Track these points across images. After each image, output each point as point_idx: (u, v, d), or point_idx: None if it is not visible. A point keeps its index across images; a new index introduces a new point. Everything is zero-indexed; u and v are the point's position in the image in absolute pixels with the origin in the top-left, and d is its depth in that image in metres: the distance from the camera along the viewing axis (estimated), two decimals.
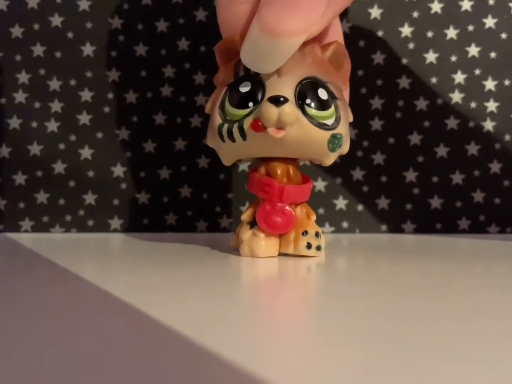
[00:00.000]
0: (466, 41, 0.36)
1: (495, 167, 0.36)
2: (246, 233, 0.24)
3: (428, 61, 0.36)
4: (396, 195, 0.36)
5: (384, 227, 0.36)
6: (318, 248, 0.24)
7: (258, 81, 0.23)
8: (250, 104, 0.22)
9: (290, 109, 0.21)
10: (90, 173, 0.35)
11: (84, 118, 0.35)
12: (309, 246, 0.24)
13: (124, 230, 0.36)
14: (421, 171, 0.36)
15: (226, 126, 0.23)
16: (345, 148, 0.24)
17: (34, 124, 0.35)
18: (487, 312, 0.14)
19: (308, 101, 0.22)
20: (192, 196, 0.36)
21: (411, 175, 0.36)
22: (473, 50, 0.36)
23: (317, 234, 0.24)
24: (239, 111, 0.23)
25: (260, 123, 0.22)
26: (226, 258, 0.24)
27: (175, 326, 0.12)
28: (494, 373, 0.10)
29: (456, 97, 0.36)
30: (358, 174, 0.36)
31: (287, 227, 0.24)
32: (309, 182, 0.24)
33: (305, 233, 0.24)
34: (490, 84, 0.36)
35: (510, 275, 0.21)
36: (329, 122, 0.23)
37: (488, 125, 0.36)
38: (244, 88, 0.23)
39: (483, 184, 0.36)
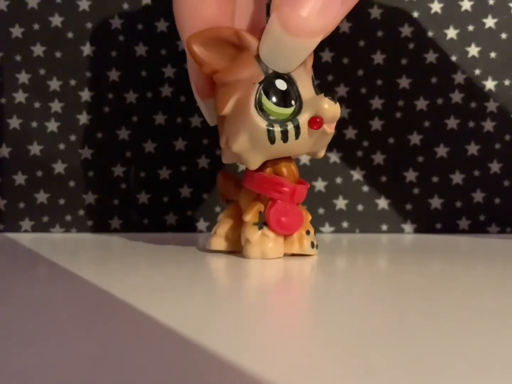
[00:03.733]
0: (466, 41, 0.36)
1: (495, 167, 0.36)
2: (254, 234, 0.23)
3: (428, 61, 0.36)
4: (396, 195, 0.36)
5: (384, 227, 0.36)
6: (317, 246, 0.24)
7: (289, 78, 0.22)
8: (293, 101, 0.22)
9: (338, 105, 0.22)
10: (90, 173, 0.35)
11: (84, 118, 0.35)
12: (312, 245, 0.24)
13: (124, 230, 0.36)
14: (421, 171, 0.36)
15: (277, 126, 0.22)
16: None
17: (34, 124, 0.35)
18: (487, 312, 0.14)
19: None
20: (192, 196, 0.36)
21: (411, 175, 0.36)
22: (473, 50, 0.36)
23: (314, 233, 0.24)
24: (285, 109, 0.22)
25: (318, 120, 0.22)
26: (226, 258, 0.24)
27: (175, 326, 0.12)
28: (494, 373, 0.10)
29: (456, 97, 0.36)
30: (358, 174, 0.36)
31: (298, 227, 0.23)
32: (306, 183, 0.24)
33: (308, 232, 0.24)
34: (490, 84, 0.36)
35: (510, 275, 0.21)
36: None
37: (488, 125, 0.36)
38: (282, 86, 0.22)
39: (483, 184, 0.36)
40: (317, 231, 0.36)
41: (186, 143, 0.36)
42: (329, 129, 0.22)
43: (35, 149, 0.35)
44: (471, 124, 0.36)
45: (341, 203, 0.36)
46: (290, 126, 0.22)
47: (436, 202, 0.36)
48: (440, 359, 0.10)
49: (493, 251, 0.28)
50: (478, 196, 0.36)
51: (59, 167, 0.35)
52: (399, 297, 0.16)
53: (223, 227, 0.25)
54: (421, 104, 0.36)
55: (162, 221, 0.36)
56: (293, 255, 0.24)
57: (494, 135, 0.36)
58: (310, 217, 0.24)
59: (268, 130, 0.22)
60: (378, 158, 0.36)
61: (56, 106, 0.35)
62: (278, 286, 0.19)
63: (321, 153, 0.24)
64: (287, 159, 0.24)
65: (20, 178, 0.35)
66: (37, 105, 0.35)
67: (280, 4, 0.21)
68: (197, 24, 0.23)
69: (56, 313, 0.14)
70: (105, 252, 0.28)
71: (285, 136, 0.22)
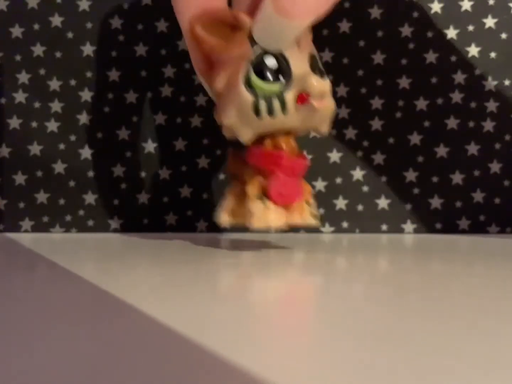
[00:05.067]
0: (466, 41, 0.36)
1: (495, 167, 0.36)
2: (257, 206, 0.24)
3: (428, 61, 0.36)
4: (396, 195, 0.36)
5: (384, 227, 0.36)
6: (318, 217, 0.25)
7: (280, 55, 0.23)
8: (281, 77, 0.23)
9: (328, 81, 0.23)
10: (90, 173, 0.35)
11: (84, 118, 0.35)
12: (313, 215, 0.25)
13: (124, 230, 0.36)
14: (421, 171, 0.36)
15: (263, 101, 0.23)
16: None
17: (34, 124, 0.35)
18: (487, 312, 0.14)
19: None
20: (192, 196, 0.36)
21: (411, 175, 0.36)
22: (473, 50, 0.36)
23: (315, 205, 0.26)
24: (272, 85, 0.23)
25: (305, 96, 0.23)
26: (226, 258, 0.24)
27: (174, 326, 0.12)
28: (494, 373, 0.10)
29: (456, 97, 0.36)
30: (358, 174, 0.36)
31: (297, 198, 0.24)
32: (306, 158, 0.26)
33: (308, 203, 0.25)
34: (490, 84, 0.36)
35: (510, 275, 0.21)
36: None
37: (488, 125, 0.36)
38: (271, 62, 0.23)
39: (483, 184, 0.36)
40: (317, 231, 0.36)
41: (186, 143, 0.36)
42: (318, 104, 0.23)
43: (35, 149, 0.35)
44: (471, 124, 0.36)
45: (341, 203, 0.36)
46: (275, 100, 0.23)
47: (436, 202, 0.36)
48: (440, 359, 0.10)
49: (493, 251, 0.28)
50: (478, 196, 0.36)
51: (59, 167, 0.35)
52: (399, 297, 0.16)
53: (230, 201, 0.26)
54: (421, 104, 0.36)
55: (162, 221, 0.36)
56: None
57: (494, 135, 0.36)
58: (309, 188, 0.25)
59: (254, 104, 0.23)
60: (378, 158, 0.36)
61: (56, 106, 0.35)
62: (278, 286, 0.19)
63: (323, 129, 0.25)
64: (287, 134, 0.25)
65: (20, 178, 0.35)
66: (37, 105, 0.35)
67: None
68: (196, 9, 0.24)
69: (56, 313, 0.14)
70: (105, 252, 0.28)
71: (270, 109, 0.23)
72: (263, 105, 0.23)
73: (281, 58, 0.23)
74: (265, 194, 0.24)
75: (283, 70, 0.23)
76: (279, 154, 0.24)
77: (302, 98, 0.23)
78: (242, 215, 0.25)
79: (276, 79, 0.23)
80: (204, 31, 0.24)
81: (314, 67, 0.24)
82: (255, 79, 0.23)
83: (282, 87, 0.23)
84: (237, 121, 0.24)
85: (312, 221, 0.25)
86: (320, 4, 0.23)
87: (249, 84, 0.23)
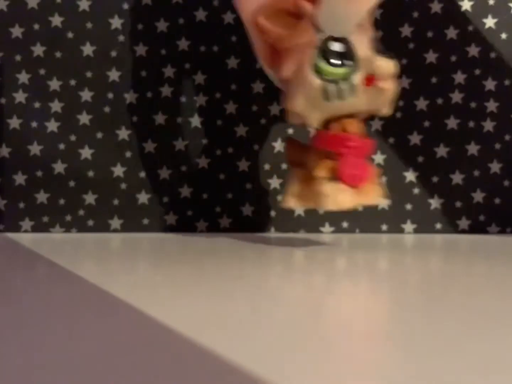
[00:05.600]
0: (466, 41, 0.36)
1: (495, 167, 0.36)
2: (327, 187, 0.25)
3: (428, 61, 0.36)
4: (396, 195, 0.36)
5: (384, 227, 0.36)
6: (386, 196, 0.26)
7: (345, 40, 0.24)
8: (347, 62, 0.24)
9: (394, 63, 0.24)
10: (90, 173, 0.35)
11: (84, 118, 0.35)
12: (381, 195, 0.26)
13: (124, 230, 0.36)
14: (421, 171, 0.36)
15: (332, 85, 0.24)
16: None
17: (34, 124, 0.35)
18: (487, 312, 0.14)
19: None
20: (192, 196, 0.36)
21: (411, 175, 0.36)
22: (473, 50, 0.36)
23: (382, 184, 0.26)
24: (339, 69, 0.24)
25: (373, 78, 0.24)
26: (226, 258, 0.24)
27: (175, 326, 0.12)
28: (494, 372, 0.10)
29: (456, 97, 0.36)
30: None
31: (367, 179, 0.25)
32: (370, 138, 0.26)
33: (378, 183, 0.26)
34: (490, 84, 0.36)
35: (510, 275, 0.21)
36: None
37: (488, 125, 0.36)
38: (337, 47, 0.24)
39: (483, 184, 0.36)
40: (317, 231, 0.36)
41: (186, 143, 0.36)
42: (385, 85, 0.24)
43: (35, 149, 0.35)
44: (471, 124, 0.36)
45: None
46: (344, 84, 0.24)
47: (436, 202, 0.36)
48: (440, 357, 0.10)
49: (493, 251, 0.28)
50: (478, 196, 0.36)
51: (59, 167, 0.35)
52: (399, 296, 0.16)
53: (295, 186, 0.26)
54: (421, 104, 0.36)
55: (162, 221, 0.36)
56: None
57: (494, 135, 0.36)
58: (377, 170, 0.26)
59: (323, 89, 0.24)
60: (378, 158, 0.36)
61: (56, 106, 0.35)
62: (277, 286, 0.19)
63: (385, 110, 0.26)
64: (352, 116, 0.25)
65: (20, 178, 0.35)
66: (37, 105, 0.35)
67: None
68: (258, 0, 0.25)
69: (56, 312, 0.14)
70: (105, 252, 0.28)
71: (339, 93, 0.24)
72: (332, 89, 0.24)
73: (345, 43, 0.24)
74: (334, 177, 0.25)
75: (348, 54, 0.24)
76: (347, 136, 0.25)
77: (370, 80, 0.24)
78: (310, 198, 0.26)
79: (343, 63, 0.24)
80: (267, 21, 0.25)
81: (374, 48, 0.25)
82: (322, 64, 0.24)
83: (349, 70, 0.24)
84: (306, 106, 0.25)
85: (382, 201, 0.26)
86: None
87: (316, 70, 0.24)
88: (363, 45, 0.24)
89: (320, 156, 0.25)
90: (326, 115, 0.25)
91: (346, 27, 0.24)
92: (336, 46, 0.24)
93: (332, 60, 0.24)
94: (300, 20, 0.24)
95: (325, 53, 0.24)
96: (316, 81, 0.24)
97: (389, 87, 0.24)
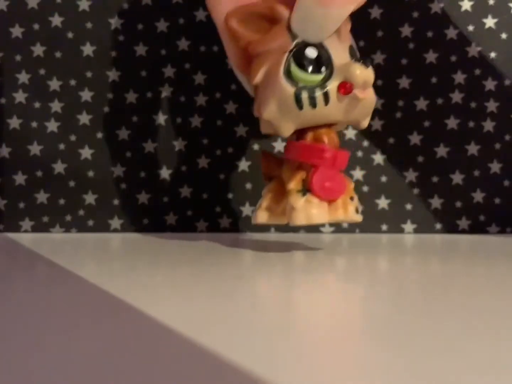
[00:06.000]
0: (466, 41, 0.36)
1: (495, 167, 0.36)
2: (299, 201, 0.23)
3: (428, 61, 0.36)
4: (396, 195, 0.36)
5: (384, 227, 0.36)
6: (361, 212, 0.25)
7: (320, 46, 0.23)
8: (323, 68, 0.23)
9: (372, 70, 0.23)
10: (90, 173, 0.35)
11: (84, 118, 0.35)
12: (357, 211, 0.24)
13: (124, 230, 0.36)
14: (421, 171, 0.36)
15: (305, 92, 0.23)
16: None
17: (34, 124, 0.35)
18: (487, 312, 0.14)
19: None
20: (192, 196, 0.36)
21: (411, 175, 0.36)
22: (473, 50, 0.36)
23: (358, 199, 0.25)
24: (314, 76, 0.23)
25: (348, 85, 0.22)
26: (226, 258, 0.24)
27: (175, 326, 0.12)
28: (494, 373, 0.10)
29: (456, 97, 0.36)
30: (358, 174, 0.36)
31: (341, 192, 0.24)
32: (346, 150, 0.25)
33: (352, 198, 0.24)
34: (490, 84, 0.36)
35: (510, 275, 0.21)
36: None
37: (488, 125, 0.36)
38: (312, 53, 0.23)
39: (483, 184, 0.36)
40: (317, 231, 0.36)
41: (186, 143, 0.36)
42: (361, 94, 0.22)
43: (35, 149, 0.35)
44: (471, 124, 0.36)
45: None
46: (318, 92, 0.23)
47: (436, 202, 0.36)
48: (440, 358, 0.10)
49: (493, 251, 0.28)
50: (478, 196, 0.36)
51: (59, 167, 0.35)
52: (399, 297, 0.16)
53: (267, 200, 0.25)
54: (421, 104, 0.36)
55: (162, 221, 0.36)
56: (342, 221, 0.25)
57: (494, 135, 0.36)
58: (353, 184, 0.25)
59: (296, 96, 0.23)
60: (378, 158, 0.36)
61: (56, 106, 0.35)
62: (277, 286, 0.19)
63: (364, 123, 0.25)
64: (327, 127, 0.24)
65: (20, 178, 0.35)
66: (37, 105, 0.35)
67: None
68: (231, 3, 0.24)
69: (56, 312, 0.14)
70: (105, 252, 0.28)
71: (313, 101, 0.23)
72: (305, 97, 0.23)
73: (321, 49, 0.23)
74: (307, 189, 0.23)
75: (324, 60, 0.23)
76: (321, 147, 0.24)
77: (345, 88, 0.22)
78: (281, 213, 0.24)
79: (318, 70, 0.23)
80: (239, 25, 0.23)
81: (353, 57, 0.24)
82: (296, 70, 0.23)
83: (323, 77, 0.23)
84: (278, 114, 0.23)
85: (357, 218, 0.24)
86: None
87: (289, 76, 0.23)
88: (339, 51, 0.23)
89: (293, 168, 0.24)
90: (299, 124, 0.23)
91: (322, 32, 0.23)
92: (311, 52, 0.23)
93: (305, 66, 0.23)
94: (274, 25, 0.23)
95: (299, 59, 0.23)
96: (289, 88, 0.23)
97: (366, 96, 0.23)
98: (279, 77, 0.23)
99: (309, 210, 0.23)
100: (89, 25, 0.35)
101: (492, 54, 0.36)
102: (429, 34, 0.36)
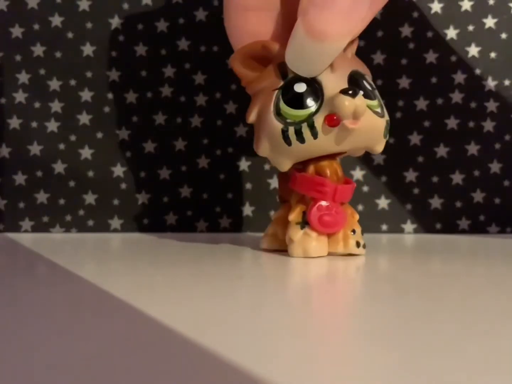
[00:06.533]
0: (466, 41, 0.36)
1: (495, 167, 0.36)
2: (297, 234, 0.23)
3: (428, 61, 0.36)
4: (396, 195, 0.36)
5: (384, 227, 0.36)
6: (364, 246, 0.24)
7: (311, 80, 0.23)
8: (311, 103, 0.22)
9: (362, 99, 0.22)
10: (90, 173, 0.35)
11: (84, 118, 0.35)
12: (357, 244, 0.24)
13: (124, 230, 0.36)
14: (421, 171, 0.36)
15: (292, 128, 0.22)
16: (388, 135, 0.25)
17: (34, 124, 0.35)
18: (487, 312, 0.14)
19: (361, 92, 0.23)
20: (192, 196, 0.36)
21: (411, 175, 0.36)
22: (473, 50, 0.36)
23: (362, 233, 0.25)
24: (301, 111, 0.22)
25: (335, 117, 0.22)
26: (226, 258, 0.24)
27: (175, 326, 0.12)
28: (494, 373, 0.10)
29: (456, 97, 0.36)
30: (358, 174, 0.36)
31: (340, 226, 0.24)
32: (351, 182, 0.25)
33: (353, 231, 0.24)
34: (490, 84, 0.36)
35: (510, 275, 0.21)
36: (379, 110, 0.24)
37: (488, 125, 0.36)
38: (300, 88, 0.23)
39: (483, 184, 0.36)
40: None
41: (186, 143, 0.36)
42: (351, 124, 0.22)
43: (35, 149, 0.35)
44: (471, 124, 0.36)
45: None
46: (304, 127, 0.22)
47: (436, 202, 0.36)
48: (440, 359, 0.10)
49: (493, 251, 0.28)
50: (478, 196, 0.36)
51: (59, 167, 0.35)
52: (399, 297, 0.16)
53: (274, 226, 0.25)
54: (421, 104, 0.36)
55: (162, 221, 0.36)
56: (342, 255, 0.24)
57: (494, 135, 0.36)
58: (357, 216, 0.25)
59: (283, 132, 0.22)
60: (378, 158, 0.36)
61: (56, 106, 0.35)
62: (278, 286, 0.19)
63: (380, 148, 0.25)
64: (330, 158, 0.24)
65: (20, 178, 0.35)
66: (37, 105, 0.35)
67: (305, 8, 0.21)
68: (242, 37, 0.24)
69: (56, 313, 0.14)
70: (105, 252, 0.28)
71: (300, 136, 0.22)
72: (291, 133, 0.22)
73: (313, 83, 0.23)
74: (306, 222, 0.23)
75: (314, 94, 0.23)
76: (321, 181, 0.23)
77: (331, 119, 0.22)
78: (283, 242, 0.24)
79: (306, 105, 0.22)
80: (241, 67, 0.24)
81: (356, 84, 0.23)
82: (284, 107, 0.23)
83: (311, 112, 0.22)
84: (271, 151, 0.23)
85: (357, 251, 0.24)
86: (354, 26, 0.22)
87: (279, 113, 0.23)
88: (332, 82, 0.22)
89: (297, 198, 0.24)
90: (295, 158, 0.23)
91: (316, 66, 0.22)
92: (299, 87, 0.23)
93: (293, 102, 0.23)
94: (269, 63, 0.23)
95: (287, 95, 0.23)
96: (277, 125, 0.23)
97: (359, 126, 0.22)
98: (269, 115, 0.23)
99: (306, 243, 0.23)
100: (89, 25, 0.35)
101: (492, 54, 0.36)
102: (429, 34, 0.36)
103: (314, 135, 0.22)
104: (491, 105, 0.36)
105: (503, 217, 0.36)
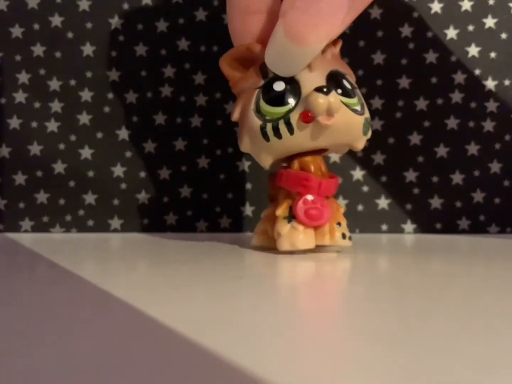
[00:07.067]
0: (466, 41, 0.36)
1: (495, 167, 0.36)
2: (284, 228, 0.24)
3: (428, 61, 0.36)
4: (396, 195, 0.36)
5: (384, 227, 0.36)
6: (350, 238, 0.25)
7: (290, 79, 0.24)
8: (290, 100, 0.23)
9: (336, 96, 0.23)
10: (90, 173, 0.35)
11: (84, 118, 0.35)
12: (343, 236, 0.25)
13: (124, 230, 0.36)
14: (421, 171, 0.36)
15: (269, 125, 0.23)
16: (370, 133, 0.25)
17: (34, 124, 0.35)
18: (487, 312, 0.14)
19: (339, 90, 0.24)
20: (192, 196, 0.36)
21: (411, 175, 0.36)
22: (473, 50, 0.36)
23: (347, 225, 0.25)
24: (279, 108, 0.23)
25: (309, 114, 0.23)
26: (226, 258, 0.24)
27: (175, 326, 0.12)
28: (494, 373, 0.10)
29: (456, 97, 0.36)
30: (358, 174, 0.36)
31: (326, 219, 0.24)
32: (336, 177, 0.26)
33: (339, 224, 0.25)
34: (490, 84, 0.36)
35: (510, 275, 0.21)
36: (358, 108, 0.24)
37: (488, 125, 0.36)
38: (279, 87, 0.24)
39: (483, 184, 0.36)
40: None
41: (186, 143, 0.36)
42: (326, 121, 0.23)
43: (35, 149, 0.35)
44: (471, 124, 0.36)
45: (341, 203, 0.36)
46: (281, 123, 0.23)
47: (436, 202, 0.36)
48: (439, 359, 0.10)
49: (493, 251, 0.28)
50: (478, 196, 0.36)
51: (59, 167, 0.35)
52: (399, 297, 0.16)
53: (264, 224, 0.26)
54: (421, 104, 0.36)
55: (162, 221, 0.36)
56: (326, 246, 0.25)
57: (494, 135, 0.36)
58: (342, 210, 0.26)
59: (261, 128, 0.24)
60: (378, 158, 0.36)
61: (56, 106, 0.35)
62: (278, 287, 0.19)
63: (360, 145, 0.25)
64: (314, 154, 0.25)
65: (20, 178, 0.35)
66: (37, 105, 0.35)
67: (286, 11, 0.22)
68: (245, 40, 0.24)
69: (56, 313, 0.14)
70: (105, 252, 0.28)
71: (277, 132, 0.23)
72: (269, 129, 0.23)
73: (292, 82, 0.24)
74: (293, 216, 0.24)
75: (293, 93, 0.23)
76: (305, 176, 0.24)
77: (305, 116, 0.23)
78: (272, 238, 0.25)
79: (284, 102, 0.23)
80: (228, 68, 0.25)
81: (335, 83, 0.24)
82: (263, 105, 0.24)
83: (288, 109, 0.23)
84: (252, 147, 0.25)
85: (343, 243, 0.25)
86: (332, 29, 0.22)
87: (259, 111, 0.24)
88: (311, 81, 0.23)
89: (284, 194, 0.25)
90: (275, 154, 0.24)
91: (294, 68, 0.23)
92: (278, 86, 0.24)
93: (272, 100, 0.24)
94: (253, 65, 0.24)
95: (266, 94, 0.24)
96: (256, 121, 0.24)
97: (332, 122, 0.23)
98: (249, 113, 0.24)
99: (294, 237, 0.24)
100: (89, 25, 0.35)
101: (492, 54, 0.36)
102: (429, 34, 0.36)
103: (290, 131, 0.23)
104: (491, 105, 0.36)
105: (503, 217, 0.36)
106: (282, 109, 0.23)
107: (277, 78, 0.24)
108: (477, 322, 0.13)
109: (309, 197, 0.24)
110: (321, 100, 0.22)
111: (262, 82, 0.24)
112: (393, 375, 0.10)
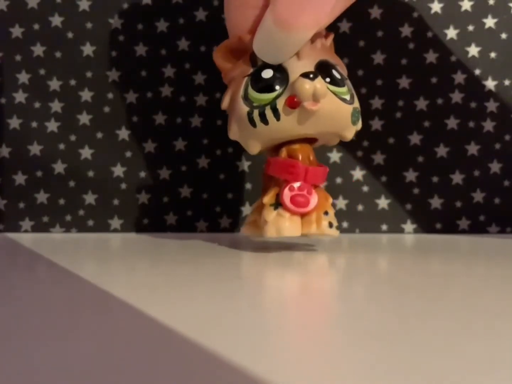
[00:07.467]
0: (466, 41, 0.36)
1: (495, 167, 0.36)
2: (270, 214, 0.24)
3: (428, 61, 0.36)
4: (396, 195, 0.36)
5: (384, 227, 0.36)
6: (337, 227, 0.25)
7: (278, 67, 0.24)
8: (277, 87, 0.24)
9: (322, 82, 0.23)
10: (90, 173, 0.35)
11: (84, 118, 0.35)
12: (330, 225, 0.24)
13: (124, 230, 0.36)
14: (421, 171, 0.36)
15: (256, 111, 0.24)
16: (359, 124, 0.25)
17: (34, 124, 0.35)
18: (487, 312, 0.14)
19: (327, 79, 0.24)
20: (192, 196, 0.36)
21: (411, 175, 0.36)
22: (473, 50, 0.36)
23: (335, 215, 0.25)
24: (266, 95, 0.24)
25: (295, 99, 0.23)
26: (226, 258, 0.24)
27: (175, 326, 0.12)
28: (494, 373, 0.10)
29: (456, 97, 0.36)
30: (358, 174, 0.36)
31: (312, 206, 0.24)
32: (324, 166, 0.26)
33: (326, 213, 0.24)
34: (490, 84, 0.36)
35: (510, 275, 0.21)
36: (347, 97, 0.24)
37: (488, 125, 0.36)
38: (267, 74, 0.24)
39: (483, 184, 0.36)
40: None
41: (186, 143, 0.36)
42: (312, 106, 0.23)
43: (35, 149, 0.35)
44: (471, 124, 0.36)
45: (341, 203, 0.36)
46: (267, 109, 0.23)
47: (436, 202, 0.36)
48: (439, 359, 0.10)
49: (493, 251, 0.28)
50: (478, 196, 0.36)
51: (59, 167, 0.35)
52: (399, 297, 0.16)
53: (254, 215, 0.26)
54: (421, 104, 0.36)
55: (162, 221, 0.36)
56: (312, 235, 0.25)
57: (494, 135, 0.36)
58: (331, 200, 0.25)
59: (248, 114, 0.24)
60: (378, 158, 0.36)
61: (56, 106, 0.35)
62: (279, 287, 0.19)
63: (349, 134, 0.25)
64: (302, 142, 0.25)
65: (20, 178, 0.35)
66: (37, 105, 0.35)
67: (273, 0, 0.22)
68: (243, 25, 0.24)
69: (56, 313, 0.14)
70: (105, 252, 0.28)
71: (263, 118, 0.24)
72: (256, 115, 0.24)
73: (280, 69, 0.24)
74: (279, 203, 0.24)
75: (279, 79, 0.24)
76: (292, 163, 0.24)
77: (291, 101, 0.23)
78: (259, 226, 0.25)
79: (271, 89, 0.24)
80: (221, 60, 0.25)
81: (324, 72, 0.24)
82: (251, 91, 0.24)
83: (275, 95, 0.24)
84: (240, 134, 0.25)
85: (329, 232, 0.24)
86: (321, 16, 0.22)
87: (247, 98, 0.24)
88: (299, 69, 0.23)
89: (271, 183, 0.25)
90: (263, 141, 0.24)
91: (282, 55, 0.23)
92: (266, 73, 0.24)
93: (259, 87, 0.24)
94: (244, 55, 0.25)
95: (255, 81, 0.24)
96: (244, 108, 0.24)
97: (318, 108, 0.23)
98: (238, 99, 0.24)
99: (280, 223, 0.24)
100: (89, 25, 0.35)
101: (492, 54, 0.36)
102: (429, 34, 0.36)
103: (277, 116, 0.23)
104: (491, 105, 0.36)
105: (503, 217, 0.36)
106: (269, 96, 0.24)
107: (266, 66, 0.24)
108: (477, 322, 0.13)
109: (296, 184, 0.24)
110: (307, 85, 0.23)
111: (251, 70, 0.24)
112: (393, 375, 0.10)
